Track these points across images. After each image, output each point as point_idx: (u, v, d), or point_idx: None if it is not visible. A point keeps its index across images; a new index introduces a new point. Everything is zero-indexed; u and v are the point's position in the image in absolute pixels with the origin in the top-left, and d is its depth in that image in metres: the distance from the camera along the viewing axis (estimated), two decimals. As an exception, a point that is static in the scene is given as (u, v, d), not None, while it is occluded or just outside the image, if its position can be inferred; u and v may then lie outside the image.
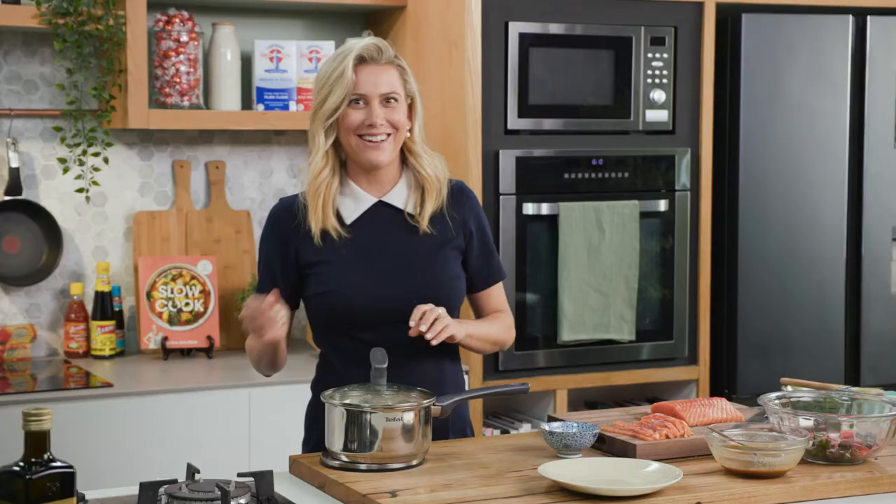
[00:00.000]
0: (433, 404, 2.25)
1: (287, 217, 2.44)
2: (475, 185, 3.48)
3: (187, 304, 3.63)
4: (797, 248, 3.87)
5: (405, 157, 2.47)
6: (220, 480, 2.00)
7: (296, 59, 3.70)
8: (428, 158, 2.46)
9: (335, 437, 2.21)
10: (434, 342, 2.29)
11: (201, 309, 3.65)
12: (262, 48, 3.69)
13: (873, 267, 3.96)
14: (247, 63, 3.73)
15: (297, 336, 3.89)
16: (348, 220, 2.43)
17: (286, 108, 3.69)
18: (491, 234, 2.56)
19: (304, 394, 3.31)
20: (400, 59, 2.45)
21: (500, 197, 3.54)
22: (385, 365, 2.26)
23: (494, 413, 3.78)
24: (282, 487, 2.13)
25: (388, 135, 2.40)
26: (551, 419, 2.46)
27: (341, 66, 2.38)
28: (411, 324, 2.29)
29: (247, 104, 3.73)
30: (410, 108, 2.46)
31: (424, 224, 2.43)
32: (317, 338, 2.52)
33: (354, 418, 2.18)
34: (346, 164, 2.46)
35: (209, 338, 3.62)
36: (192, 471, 2.04)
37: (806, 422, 2.23)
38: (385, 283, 2.39)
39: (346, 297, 2.39)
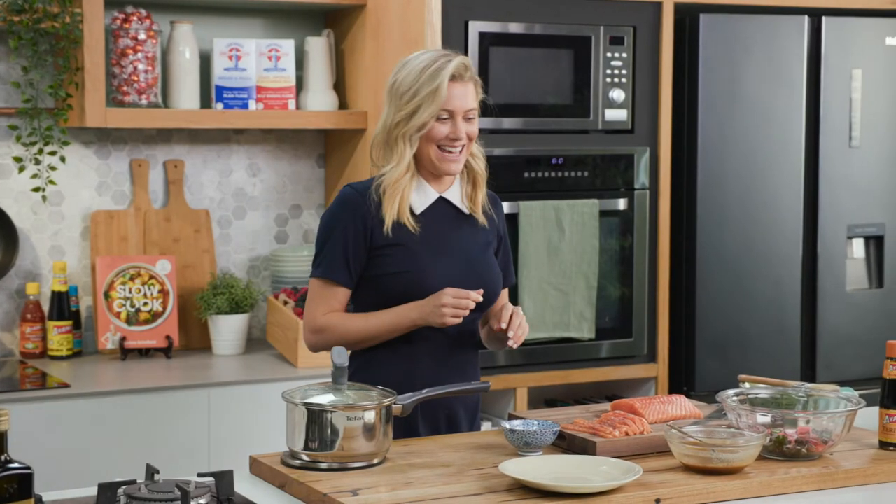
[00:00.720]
0: (394, 403, 2.26)
1: (360, 201, 2.55)
2: (435, 184, 3.48)
3: (146, 303, 3.61)
4: (754, 246, 3.90)
5: None
6: (179, 480, 1.99)
7: (255, 57, 3.68)
8: (480, 156, 2.64)
9: (296, 437, 2.20)
10: (515, 346, 2.48)
11: (160, 309, 3.62)
12: (220, 46, 3.67)
13: (829, 265, 4.00)
14: (206, 61, 3.71)
15: (257, 336, 3.88)
16: (417, 211, 2.57)
17: (245, 106, 3.68)
18: (508, 245, 2.74)
19: (264, 393, 3.31)
20: (474, 73, 2.60)
21: (460, 196, 3.54)
22: (346, 364, 2.26)
23: (455, 412, 3.78)
24: (242, 487, 2.13)
25: (464, 146, 2.56)
26: (512, 417, 2.47)
27: (435, 82, 2.51)
28: (503, 325, 2.46)
29: (206, 103, 3.71)
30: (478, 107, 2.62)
31: (480, 214, 2.62)
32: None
33: (315, 417, 2.18)
34: (414, 158, 2.59)
35: (168, 338, 3.60)
36: (151, 471, 2.03)
37: (763, 418, 2.25)
38: (454, 270, 2.56)
39: (422, 278, 2.52)
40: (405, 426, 2.49)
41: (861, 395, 2.83)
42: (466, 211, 2.62)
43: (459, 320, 2.46)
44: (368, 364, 2.56)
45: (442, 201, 2.61)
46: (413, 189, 2.57)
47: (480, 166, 2.63)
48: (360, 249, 2.54)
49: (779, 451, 2.24)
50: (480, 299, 2.46)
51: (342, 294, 2.57)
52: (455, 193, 2.62)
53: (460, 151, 2.55)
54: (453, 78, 2.52)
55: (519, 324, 2.48)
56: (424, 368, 2.55)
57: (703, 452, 2.13)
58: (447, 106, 2.52)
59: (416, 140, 2.53)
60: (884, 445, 2.31)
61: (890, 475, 2.21)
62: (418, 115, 2.51)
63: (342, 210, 2.57)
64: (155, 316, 3.62)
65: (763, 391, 2.42)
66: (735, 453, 2.13)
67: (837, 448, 2.31)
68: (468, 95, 2.55)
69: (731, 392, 2.37)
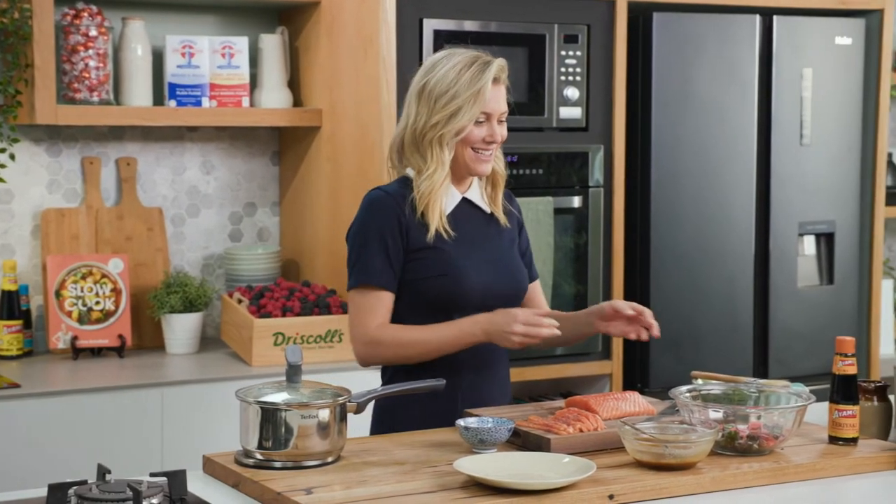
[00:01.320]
0: (348, 401, 2.25)
1: (393, 203, 2.53)
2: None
3: (98, 302, 3.58)
4: (707, 243, 3.93)
5: None
6: (131, 480, 1.97)
7: (208, 54, 3.66)
8: (500, 157, 2.63)
9: (250, 436, 2.19)
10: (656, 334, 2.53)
11: (112, 307, 3.59)
12: (173, 43, 3.64)
13: (780, 262, 4.04)
14: (158, 58, 3.69)
15: (211, 335, 3.86)
16: (445, 213, 2.56)
17: (199, 104, 3.65)
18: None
19: (218, 392, 3.29)
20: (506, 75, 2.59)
21: (415, 193, 3.54)
22: (300, 362, 2.25)
23: (410, 409, 3.78)
24: (195, 487, 2.11)
25: (495, 148, 2.57)
26: (466, 415, 2.47)
27: (478, 85, 2.49)
28: (654, 323, 2.53)
29: (158, 100, 3.69)
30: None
31: (500, 212, 2.63)
32: (413, 322, 2.54)
33: (269, 416, 2.17)
34: None
35: (121, 337, 3.57)
36: (102, 471, 2.01)
37: (715, 414, 2.27)
38: (484, 270, 2.55)
39: (458, 281, 2.51)
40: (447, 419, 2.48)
41: (811, 391, 2.87)
42: (488, 210, 2.62)
43: (526, 345, 2.44)
44: (408, 376, 2.52)
45: (465, 202, 2.60)
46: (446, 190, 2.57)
47: (500, 166, 2.63)
48: (399, 251, 2.51)
49: (731, 446, 2.26)
50: (556, 333, 2.43)
51: (387, 298, 2.52)
52: (476, 194, 2.62)
53: (492, 153, 2.55)
54: (495, 80, 2.51)
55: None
56: (464, 380, 2.55)
57: (656, 448, 2.15)
58: (486, 109, 2.50)
59: (453, 143, 2.51)
60: (833, 440, 2.33)
61: (839, 469, 2.23)
62: (457, 117, 2.48)
63: (375, 213, 2.54)
64: (107, 315, 3.59)
65: (715, 387, 2.44)
66: (687, 449, 2.14)
67: (788, 443, 2.33)
68: (503, 98, 2.54)
69: (683, 388, 2.38)
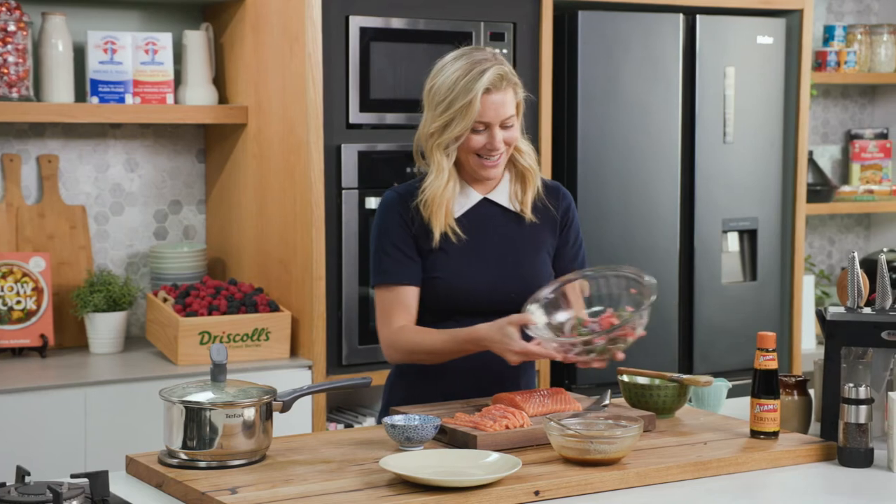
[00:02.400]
0: (273, 400, 2.24)
1: (404, 204, 2.55)
2: (317, 180, 3.47)
3: (18, 301, 3.52)
4: (632, 240, 3.96)
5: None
6: (51, 482, 1.94)
7: (131, 50, 3.62)
8: (528, 152, 2.59)
9: (174, 435, 2.17)
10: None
11: (34, 307, 3.53)
12: (95, 39, 3.59)
13: (705, 259, 4.09)
14: (80, 54, 3.63)
15: (136, 334, 3.81)
16: (456, 214, 2.56)
17: (122, 100, 3.61)
18: (581, 234, 2.69)
19: (143, 392, 3.25)
20: (514, 76, 2.53)
21: (343, 191, 3.53)
22: (225, 361, 2.23)
23: (338, 407, 3.77)
24: (118, 488, 2.09)
25: (503, 153, 2.53)
26: (393, 412, 2.47)
27: (468, 97, 2.46)
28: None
29: (80, 97, 3.63)
30: (517, 106, 2.56)
31: (528, 211, 2.59)
32: (424, 321, 2.58)
33: (193, 415, 2.15)
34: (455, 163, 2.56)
35: (42, 336, 3.52)
36: (21, 473, 1.98)
37: (564, 315, 2.38)
38: (485, 273, 2.53)
39: (450, 284, 2.52)
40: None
41: (735, 385, 2.92)
42: (515, 209, 2.59)
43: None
44: (404, 373, 2.57)
45: (485, 202, 2.58)
46: (456, 194, 2.55)
47: (528, 162, 2.59)
48: (414, 249, 2.53)
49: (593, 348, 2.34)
50: (557, 357, 2.38)
51: (411, 294, 2.54)
52: (502, 193, 2.60)
53: (499, 158, 2.52)
54: (488, 90, 2.47)
55: None
56: (461, 380, 2.56)
57: (582, 444, 2.16)
58: (482, 119, 2.48)
59: (452, 151, 2.51)
60: (755, 434, 2.37)
61: (760, 463, 2.27)
62: (451, 128, 2.48)
63: (387, 214, 2.56)
64: (28, 314, 3.53)
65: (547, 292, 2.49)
66: (612, 445, 2.16)
67: (711, 437, 2.36)
68: (505, 104, 2.50)
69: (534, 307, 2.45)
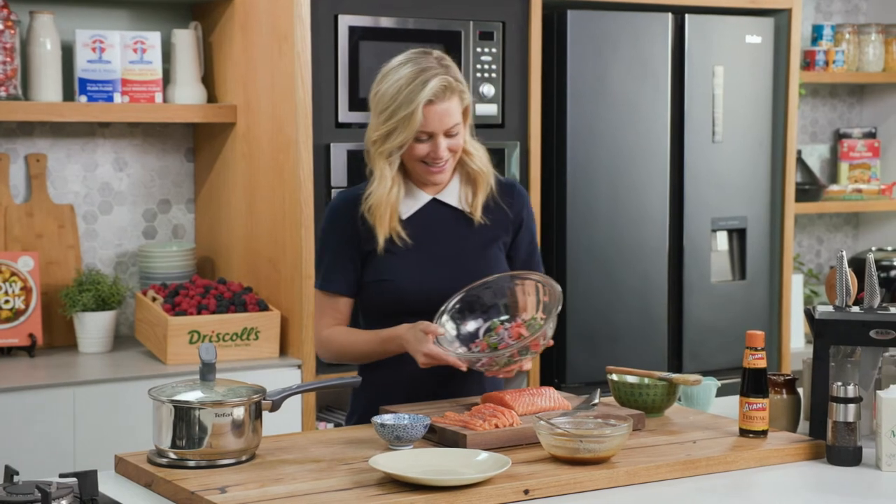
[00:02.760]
0: (263, 399, 2.24)
1: (348, 210, 2.55)
2: (306, 179, 3.46)
3: (7, 301, 3.51)
4: (622, 239, 3.97)
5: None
6: (40, 482, 1.94)
7: (120, 49, 3.61)
8: (477, 154, 2.57)
9: (163, 435, 2.16)
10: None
11: (22, 306, 3.53)
12: (83, 38, 3.58)
13: (694, 257, 4.10)
14: (68, 53, 3.62)
15: (125, 333, 3.80)
16: (404, 216, 2.55)
17: (111, 99, 3.60)
18: (537, 233, 2.69)
19: (132, 391, 3.25)
20: (458, 83, 2.49)
21: (332, 190, 3.52)
22: (215, 360, 2.23)
23: (327, 407, 3.77)
24: (107, 487, 2.08)
25: (449, 159, 2.51)
26: (383, 411, 2.47)
27: (410, 108, 2.44)
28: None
29: (69, 95, 3.62)
30: (464, 112, 2.53)
31: (478, 214, 2.58)
32: (367, 325, 2.61)
33: (183, 415, 2.15)
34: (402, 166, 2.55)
35: (31, 336, 3.51)
36: (10, 472, 1.97)
37: (475, 324, 2.37)
38: (437, 275, 2.53)
39: (398, 286, 2.51)
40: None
41: (724, 384, 2.92)
42: (465, 210, 2.58)
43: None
44: (371, 374, 2.57)
45: (435, 203, 2.57)
46: (402, 196, 2.54)
47: (478, 164, 2.57)
48: (354, 257, 2.54)
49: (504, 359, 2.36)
50: (463, 367, 2.40)
51: (343, 303, 2.58)
52: (452, 194, 2.58)
53: (444, 164, 2.51)
54: (430, 101, 2.45)
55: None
56: (421, 383, 2.55)
57: (571, 443, 2.16)
58: (425, 129, 2.46)
59: (395, 159, 2.49)
60: (744, 433, 2.37)
61: (750, 461, 2.27)
62: (394, 137, 2.46)
63: (332, 219, 2.57)
64: (17, 314, 3.52)
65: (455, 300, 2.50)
66: (602, 443, 2.16)
67: (700, 436, 2.36)
68: (449, 113, 2.47)
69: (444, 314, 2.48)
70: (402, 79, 2.46)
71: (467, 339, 2.50)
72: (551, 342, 2.46)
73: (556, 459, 2.19)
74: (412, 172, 2.55)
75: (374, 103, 2.51)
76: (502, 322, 2.50)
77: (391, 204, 2.51)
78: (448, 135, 2.49)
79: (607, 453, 2.17)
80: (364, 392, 2.62)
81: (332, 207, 2.60)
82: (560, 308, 2.44)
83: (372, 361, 2.58)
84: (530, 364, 2.45)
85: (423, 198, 2.58)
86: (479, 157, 2.58)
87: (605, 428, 2.22)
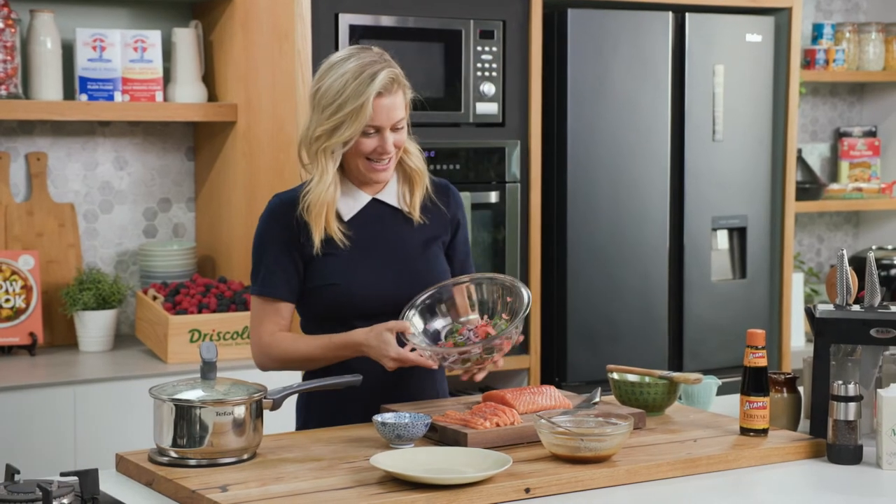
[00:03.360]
0: (264, 398, 2.24)
1: (287, 212, 2.49)
2: (306, 178, 3.45)
3: (8, 300, 3.51)
4: (622, 238, 3.97)
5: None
6: (41, 480, 1.94)
7: (120, 48, 3.61)
8: (415, 153, 2.55)
9: (164, 433, 2.17)
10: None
11: (23, 305, 3.53)
12: (84, 37, 3.58)
13: (694, 256, 4.10)
14: (68, 52, 3.62)
15: (125, 332, 3.80)
16: (346, 217, 2.51)
17: (111, 98, 3.60)
18: (468, 236, 2.67)
19: (132, 390, 3.25)
20: (404, 78, 2.49)
21: (332, 189, 3.52)
22: (216, 359, 2.23)
23: (328, 406, 3.77)
24: (108, 486, 2.09)
25: (393, 156, 2.49)
26: (384, 410, 2.47)
27: (360, 100, 2.40)
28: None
29: (69, 94, 3.62)
30: (406, 107, 2.51)
31: (417, 214, 2.55)
32: (310, 330, 2.55)
33: (184, 413, 2.15)
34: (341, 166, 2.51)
35: (32, 335, 3.51)
36: (11, 471, 1.97)
37: (442, 321, 2.36)
38: (382, 276, 2.50)
39: (347, 290, 2.47)
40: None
41: (725, 383, 2.92)
42: (404, 210, 2.55)
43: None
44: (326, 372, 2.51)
45: (374, 203, 2.54)
46: (342, 193, 2.50)
47: (415, 163, 2.55)
48: (295, 260, 2.49)
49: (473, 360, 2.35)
50: (433, 365, 2.39)
51: (284, 308, 2.51)
52: (391, 193, 2.55)
53: (389, 161, 2.48)
54: (379, 94, 2.42)
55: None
56: (376, 380, 2.49)
57: (572, 442, 2.16)
58: (374, 122, 2.43)
59: (339, 155, 2.46)
60: (744, 431, 2.37)
61: (750, 460, 2.27)
62: (341, 131, 2.42)
63: (270, 223, 2.51)
64: (18, 312, 3.52)
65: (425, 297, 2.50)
66: (603, 442, 2.16)
67: (701, 435, 2.37)
68: (396, 107, 2.44)
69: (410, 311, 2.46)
70: (347, 73, 2.42)
71: (432, 338, 2.48)
72: (521, 338, 2.45)
73: (556, 458, 2.19)
74: (353, 170, 2.50)
75: (316, 99, 2.46)
76: (463, 323, 2.49)
77: (328, 203, 2.46)
78: (394, 129, 2.46)
79: (608, 452, 2.18)
80: (317, 398, 2.56)
81: (270, 210, 2.52)
82: (527, 312, 2.42)
83: (318, 367, 2.51)
84: (502, 362, 2.43)
85: (364, 198, 2.53)
86: (416, 156, 2.56)
87: (606, 426, 2.22)
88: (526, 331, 3.89)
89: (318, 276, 2.50)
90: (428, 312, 2.50)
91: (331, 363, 2.50)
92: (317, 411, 2.58)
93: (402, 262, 2.53)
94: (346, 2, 3.53)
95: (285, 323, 2.53)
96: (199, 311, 3.48)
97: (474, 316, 2.51)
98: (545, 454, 2.21)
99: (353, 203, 2.53)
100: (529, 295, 2.46)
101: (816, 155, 5.07)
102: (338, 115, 2.42)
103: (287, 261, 2.49)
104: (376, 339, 2.39)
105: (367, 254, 2.51)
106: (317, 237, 2.46)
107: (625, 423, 2.22)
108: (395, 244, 2.54)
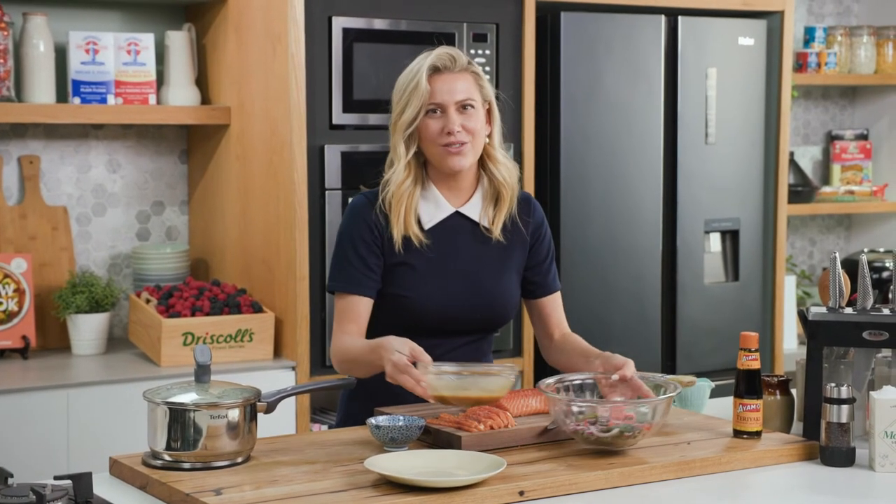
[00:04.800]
0: (258, 401, 2.24)
1: (370, 209, 2.50)
2: (300, 181, 3.46)
3: (0, 303, 3.50)
4: (615, 241, 3.97)
5: (483, 161, 2.53)
6: (35, 484, 1.94)
7: (113, 51, 3.61)
8: (504, 163, 2.53)
9: (158, 436, 2.16)
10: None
11: (15, 308, 3.52)
12: (77, 40, 3.58)
13: (687, 259, 4.10)
14: (61, 55, 3.62)
15: (118, 335, 3.80)
16: (427, 226, 2.50)
17: (104, 101, 3.60)
18: (553, 247, 2.65)
19: (126, 393, 3.25)
20: (474, 66, 2.49)
21: (326, 192, 3.53)
22: (209, 362, 2.23)
23: (322, 408, 3.77)
24: (101, 489, 2.08)
25: (466, 142, 2.45)
26: (378, 413, 2.47)
27: (416, 77, 2.44)
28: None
29: (62, 97, 3.62)
30: (488, 113, 2.51)
31: (497, 233, 2.53)
32: (376, 334, 2.47)
33: (177, 416, 2.15)
34: (426, 167, 2.52)
35: (24, 338, 3.50)
36: (4, 475, 1.97)
37: (578, 408, 2.22)
38: (452, 295, 2.48)
39: (414, 303, 2.47)
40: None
41: (718, 385, 2.93)
42: (485, 226, 2.53)
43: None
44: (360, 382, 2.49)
45: (457, 216, 2.52)
46: (426, 199, 2.49)
47: (503, 174, 2.51)
48: (377, 256, 2.47)
49: (614, 441, 2.22)
50: (426, 397, 2.28)
51: (364, 305, 2.48)
52: (474, 208, 2.53)
53: (463, 145, 2.45)
54: (437, 70, 2.44)
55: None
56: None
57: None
58: (434, 100, 2.44)
59: (412, 140, 2.46)
60: (738, 434, 2.37)
61: (744, 462, 2.28)
62: (406, 113, 2.45)
63: (353, 219, 2.51)
64: (10, 316, 3.52)
65: (578, 377, 2.41)
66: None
67: (694, 437, 2.37)
68: (458, 86, 2.44)
69: (550, 380, 2.35)
70: (416, 60, 2.49)
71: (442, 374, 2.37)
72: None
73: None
74: (434, 161, 2.49)
75: (393, 94, 2.51)
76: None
77: (408, 194, 2.46)
78: (461, 110, 2.45)
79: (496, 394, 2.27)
80: (359, 396, 2.58)
81: (356, 207, 2.51)
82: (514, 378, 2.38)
83: (362, 375, 2.46)
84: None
85: (446, 209, 2.51)
86: (505, 166, 2.53)
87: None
88: (519, 333, 3.89)
89: (391, 283, 2.49)
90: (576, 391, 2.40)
91: (369, 369, 2.41)
92: (355, 405, 2.57)
93: (475, 282, 2.51)
94: (340, 5, 3.53)
95: (363, 322, 2.48)
96: (193, 314, 3.48)
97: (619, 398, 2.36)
98: (540, 457, 2.22)
99: (434, 211, 2.51)
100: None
101: (808, 158, 5.09)
102: (401, 98, 2.47)
103: (366, 257, 2.48)
104: (399, 342, 2.31)
105: (441, 269, 2.50)
106: (396, 231, 2.46)
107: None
108: (470, 262, 2.52)
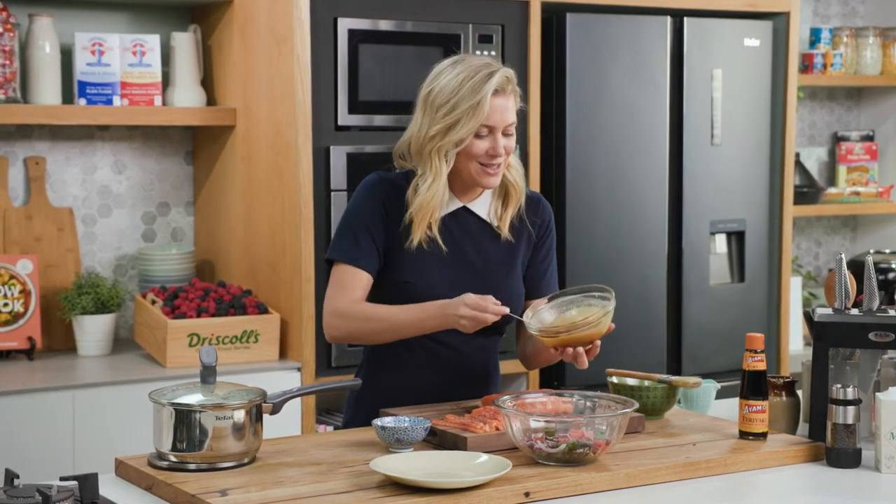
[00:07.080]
0: (263, 402, 2.24)
1: (387, 192, 2.50)
2: (305, 182, 3.47)
3: (6, 304, 3.51)
4: (621, 242, 3.97)
5: None
6: (41, 485, 1.94)
7: (119, 52, 3.61)
8: (515, 166, 2.55)
9: (163, 437, 2.17)
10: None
11: (21, 309, 3.53)
12: (82, 41, 3.59)
13: (693, 260, 4.10)
14: (67, 56, 3.62)
15: (124, 336, 3.80)
16: (437, 219, 2.50)
17: (110, 102, 3.60)
18: (554, 253, 2.66)
19: (131, 394, 3.25)
20: (516, 83, 2.49)
21: (332, 193, 3.53)
22: (215, 363, 2.23)
23: (327, 409, 3.77)
24: (107, 490, 2.08)
25: (503, 162, 2.48)
26: (383, 414, 2.47)
27: (478, 96, 2.40)
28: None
29: (68, 98, 3.63)
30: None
31: (506, 230, 2.54)
32: None
33: (183, 417, 2.15)
34: None
35: (30, 339, 3.51)
36: (10, 476, 1.97)
37: (537, 423, 2.18)
38: (456, 286, 2.46)
39: (418, 290, 2.46)
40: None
41: (723, 386, 2.93)
42: (492, 224, 2.55)
43: (481, 326, 2.37)
44: (374, 372, 2.53)
45: (464, 211, 2.53)
46: (444, 202, 2.50)
47: (514, 177, 2.54)
48: (382, 239, 2.48)
49: (565, 457, 2.16)
50: (503, 311, 2.34)
51: (366, 280, 2.49)
52: (482, 205, 2.55)
53: (499, 167, 2.47)
54: (496, 92, 2.42)
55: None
56: (425, 381, 2.52)
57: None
58: (488, 122, 2.42)
59: (452, 156, 2.44)
60: (743, 435, 2.37)
61: (749, 464, 2.27)
62: (456, 130, 2.41)
63: (366, 196, 2.50)
64: (16, 317, 3.52)
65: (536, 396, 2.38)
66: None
67: (700, 438, 2.37)
68: (509, 109, 2.45)
69: (507, 398, 2.30)
70: (463, 72, 2.43)
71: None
72: (612, 326, 2.52)
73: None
74: (465, 174, 2.48)
75: (429, 101, 2.46)
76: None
77: (434, 207, 2.46)
78: (505, 133, 2.46)
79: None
80: (366, 396, 2.59)
81: (370, 185, 2.51)
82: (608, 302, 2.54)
83: (391, 339, 2.48)
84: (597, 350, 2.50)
85: (454, 203, 2.53)
86: (516, 169, 2.55)
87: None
88: (524, 335, 3.89)
89: (396, 269, 2.50)
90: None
91: (410, 331, 2.44)
92: (364, 405, 2.58)
93: (479, 278, 2.52)
94: (345, 6, 3.54)
95: (363, 295, 2.49)
96: (198, 316, 3.48)
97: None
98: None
99: (445, 207, 2.52)
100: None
101: (814, 159, 5.08)
102: (453, 113, 2.42)
103: (374, 235, 2.48)
104: (457, 299, 2.36)
105: (446, 260, 2.50)
106: (416, 236, 2.46)
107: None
108: (476, 257, 2.53)
